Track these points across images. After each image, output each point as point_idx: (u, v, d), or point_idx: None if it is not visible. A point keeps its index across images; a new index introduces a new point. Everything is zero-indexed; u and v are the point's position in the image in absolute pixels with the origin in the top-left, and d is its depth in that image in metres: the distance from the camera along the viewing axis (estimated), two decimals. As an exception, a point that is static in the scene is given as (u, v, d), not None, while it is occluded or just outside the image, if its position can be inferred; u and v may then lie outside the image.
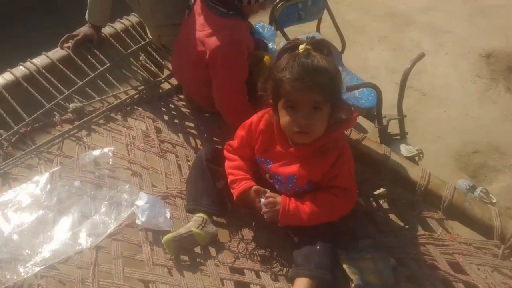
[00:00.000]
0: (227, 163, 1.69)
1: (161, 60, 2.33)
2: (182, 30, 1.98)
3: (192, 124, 2.06)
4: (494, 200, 2.77)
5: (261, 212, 1.56)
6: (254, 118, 1.64)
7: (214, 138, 2.00)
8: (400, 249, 1.65)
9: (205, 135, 2.00)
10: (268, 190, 1.58)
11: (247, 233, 1.66)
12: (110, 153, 1.77)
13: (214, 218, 1.67)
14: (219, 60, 1.79)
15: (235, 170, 1.65)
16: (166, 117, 2.07)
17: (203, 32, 1.82)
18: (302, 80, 1.37)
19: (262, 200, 1.56)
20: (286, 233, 1.62)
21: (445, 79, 3.78)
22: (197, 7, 1.88)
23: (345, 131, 1.59)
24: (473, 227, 1.73)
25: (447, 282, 1.57)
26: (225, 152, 1.72)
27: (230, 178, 1.65)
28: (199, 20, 1.85)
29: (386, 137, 2.68)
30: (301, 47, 1.41)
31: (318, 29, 3.14)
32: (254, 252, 1.60)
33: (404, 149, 2.73)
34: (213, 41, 1.79)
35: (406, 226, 1.79)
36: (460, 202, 1.74)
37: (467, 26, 4.40)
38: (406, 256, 1.63)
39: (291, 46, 1.45)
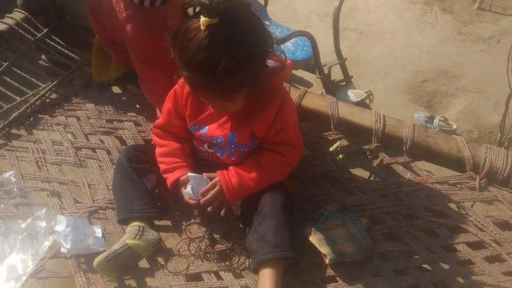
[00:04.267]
0: (157, 150, 1.45)
1: (63, 50, 1.99)
2: None
3: (111, 121, 1.77)
4: (455, 126, 2.67)
5: (196, 203, 1.35)
6: (177, 86, 1.38)
7: (140, 133, 1.71)
8: (370, 205, 1.47)
9: (128, 131, 1.72)
10: (193, 175, 1.35)
11: (196, 230, 1.43)
12: (12, 177, 1.47)
13: (155, 223, 1.42)
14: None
15: (166, 157, 1.42)
16: (79, 119, 1.76)
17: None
18: (206, 86, 1.13)
19: (187, 188, 1.34)
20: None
21: (379, 13, 3.61)
22: None
23: (282, 82, 1.37)
24: (442, 162, 1.57)
25: (429, 230, 1.41)
26: (153, 137, 1.48)
27: (161, 167, 1.42)
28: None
29: (331, 86, 2.50)
30: (202, 21, 1.03)
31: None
32: (209, 250, 1.37)
33: (352, 94, 2.55)
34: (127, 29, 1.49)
35: (371, 179, 1.61)
36: (422, 139, 1.57)
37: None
38: (378, 212, 1.45)
39: (189, 7, 1.12)
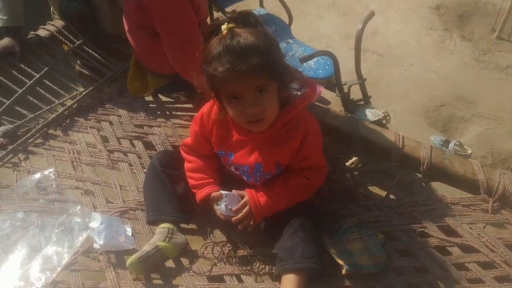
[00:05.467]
0: (186, 165, 1.53)
1: (99, 57, 2.11)
2: None
3: (141, 126, 1.87)
4: (470, 151, 2.73)
5: (228, 219, 1.42)
6: (205, 108, 1.47)
7: (169, 138, 1.81)
8: (387, 222, 1.53)
9: (158, 136, 1.81)
10: (226, 193, 1.43)
11: (220, 235, 1.50)
12: (52, 175, 1.57)
13: (182, 225, 1.50)
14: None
15: (194, 173, 1.50)
16: (112, 124, 1.86)
17: None
18: (234, 68, 1.18)
19: (221, 205, 1.42)
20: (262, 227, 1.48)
21: (400, 37, 3.69)
22: None
23: (306, 105, 1.45)
24: (457, 184, 1.63)
25: (441, 248, 1.46)
26: (182, 153, 1.56)
27: (190, 182, 1.50)
28: None
29: (349, 105, 2.57)
30: (223, 27, 1.23)
31: (261, 4, 2.98)
32: (232, 255, 1.44)
33: (370, 114, 2.62)
34: None
35: (390, 197, 1.68)
36: (439, 161, 1.64)
37: (412, -20, 4.31)
38: (394, 229, 1.51)
39: (214, 28, 1.27)
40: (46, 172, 1.58)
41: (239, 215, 1.40)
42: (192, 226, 1.54)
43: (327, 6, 4.11)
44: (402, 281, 1.38)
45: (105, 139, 1.81)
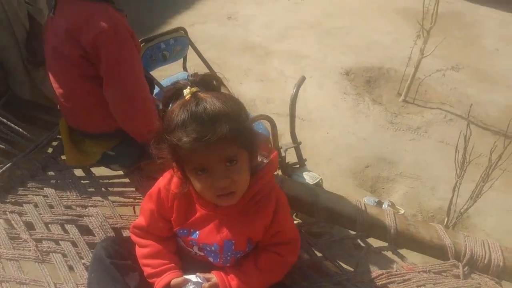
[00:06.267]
0: (139, 251, 1.31)
1: (16, 127, 1.81)
2: (48, 34, 1.63)
3: (73, 208, 1.59)
4: (402, 211, 2.78)
5: None
6: (162, 182, 1.29)
7: (108, 220, 1.56)
8: (365, 298, 1.43)
9: (94, 218, 1.55)
10: (190, 277, 1.23)
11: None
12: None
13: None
14: (106, 43, 1.51)
15: (151, 259, 1.28)
16: (37, 206, 1.57)
17: (79, 20, 1.52)
18: (202, 138, 1.05)
19: None
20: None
21: (317, 102, 3.81)
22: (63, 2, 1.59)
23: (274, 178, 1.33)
24: (424, 250, 1.59)
25: (425, 322, 1.39)
26: (133, 237, 1.33)
27: (147, 271, 1.28)
28: (69, 12, 1.56)
29: (287, 168, 2.53)
30: (186, 92, 1.11)
31: (185, 68, 2.91)
32: None
33: (308, 177, 2.60)
34: (92, 26, 1.50)
35: (359, 269, 1.58)
36: (405, 227, 1.59)
37: (320, 48, 4.57)
38: (374, 305, 1.41)
39: (174, 92, 1.15)
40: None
41: None
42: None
43: (244, 73, 4.16)
44: None
45: (30, 226, 1.50)
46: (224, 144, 1.08)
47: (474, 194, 2.36)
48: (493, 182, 2.28)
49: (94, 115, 1.65)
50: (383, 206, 2.74)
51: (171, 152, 1.13)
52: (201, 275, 1.24)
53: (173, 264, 1.27)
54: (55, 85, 1.64)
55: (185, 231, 1.27)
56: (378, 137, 3.47)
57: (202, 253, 1.29)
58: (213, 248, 1.25)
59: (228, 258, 1.27)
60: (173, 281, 1.22)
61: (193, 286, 1.21)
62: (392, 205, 2.79)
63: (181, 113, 1.08)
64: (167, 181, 1.28)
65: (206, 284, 1.22)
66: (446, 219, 2.51)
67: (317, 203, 1.64)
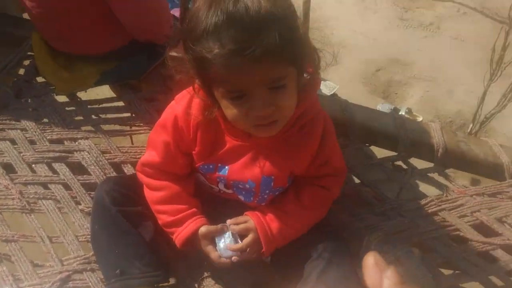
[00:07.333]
0: (151, 195, 1.06)
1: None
2: None
3: (60, 142, 1.31)
4: (420, 118, 2.57)
5: (229, 259, 1.00)
6: (177, 108, 1.00)
7: (104, 155, 1.29)
8: (414, 230, 1.23)
9: (87, 153, 1.28)
10: (224, 226, 1.02)
11: (213, 285, 1.08)
12: None
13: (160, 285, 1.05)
14: None
15: (168, 205, 1.04)
16: (15, 143, 1.28)
17: None
18: (244, 51, 0.76)
19: (221, 243, 1.00)
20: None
21: (319, -2, 3.40)
22: None
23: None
24: (477, 170, 1.39)
25: (485, 254, 1.21)
26: (141, 177, 1.07)
27: (163, 219, 1.04)
28: None
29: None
30: None
31: None
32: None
33: (324, 87, 2.34)
34: None
35: (403, 196, 1.38)
36: (455, 145, 1.37)
37: None
38: (425, 238, 1.22)
39: None
40: None
41: (246, 251, 0.99)
42: (172, 281, 1.09)
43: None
44: (457, 307, 1.10)
45: (9, 169, 1.23)
46: (271, 61, 0.80)
47: (505, 98, 2.12)
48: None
49: (92, 35, 1.33)
50: (399, 113, 2.52)
51: (196, 67, 0.85)
52: (232, 221, 1.02)
53: (194, 209, 1.04)
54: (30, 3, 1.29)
55: (211, 167, 1.02)
56: (388, 36, 3.14)
57: (230, 191, 1.05)
58: (247, 186, 1.01)
59: (265, 196, 1.04)
60: (203, 229, 1.00)
61: (225, 234, 0.99)
62: (409, 112, 2.56)
63: (213, 14, 0.78)
64: (185, 105, 0.98)
65: (237, 227, 1.00)
66: (470, 125, 2.30)
67: (353, 121, 1.39)
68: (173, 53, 0.93)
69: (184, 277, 1.09)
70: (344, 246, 1.06)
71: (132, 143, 1.50)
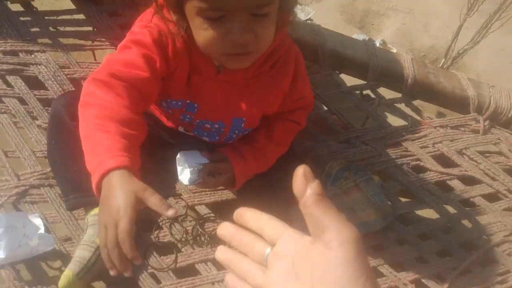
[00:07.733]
0: (95, 105, 0.84)
1: None
2: None
3: (15, 53, 1.23)
4: (394, 50, 2.53)
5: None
6: (161, 31, 0.86)
7: (63, 70, 1.22)
8: (376, 158, 1.26)
9: (45, 67, 1.21)
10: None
11: (176, 206, 1.08)
12: None
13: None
14: None
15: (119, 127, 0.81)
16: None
17: None
18: None
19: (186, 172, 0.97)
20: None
21: None
22: None
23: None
24: (443, 102, 1.40)
25: (442, 183, 1.25)
26: (91, 87, 0.86)
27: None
28: None
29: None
30: None
31: None
32: (199, 232, 1.05)
33: (301, 11, 2.25)
34: None
35: (368, 125, 1.39)
36: (424, 76, 1.37)
37: None
38: (386, 166, 1.25)
39: None
40: None
41: (218, 181, 0.99)
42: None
43: None
44: (411, 231, 1.14)
45: (-41, 79, 1.16)
46: None
47: (479, 34, 2.11)
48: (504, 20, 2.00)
49: None
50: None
51: None
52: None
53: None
54: None
55: (180, 103, 0.95)
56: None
57: (190, 133, 1.02)
58: (216, 126, 0.98)
59: (234, 136, 1.02)
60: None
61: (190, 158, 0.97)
62: (383, 43, 2.52)
63: None
64: (167, 27, 0.86)
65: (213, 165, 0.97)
66: (443, 60, 2.30)
67: (324, 47, 1.35)
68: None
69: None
70: None
71: (95, 59, 1.42)
